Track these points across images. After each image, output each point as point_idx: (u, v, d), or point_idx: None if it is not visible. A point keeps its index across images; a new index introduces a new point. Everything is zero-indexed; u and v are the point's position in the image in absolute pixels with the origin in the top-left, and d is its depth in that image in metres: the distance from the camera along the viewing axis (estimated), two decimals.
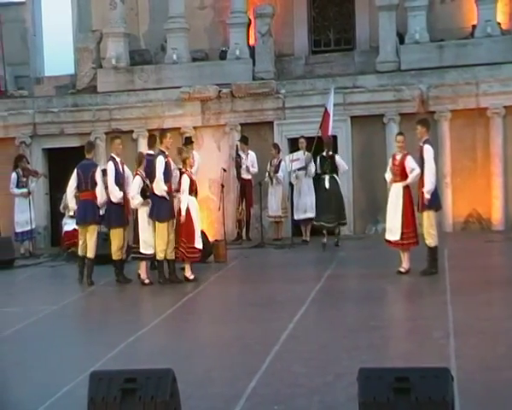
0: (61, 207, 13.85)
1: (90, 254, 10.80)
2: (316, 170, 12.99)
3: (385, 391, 4.50)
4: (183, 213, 10.21)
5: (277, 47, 15.33)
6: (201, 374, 6.40)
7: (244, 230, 13.99)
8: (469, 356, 6.48)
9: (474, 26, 14.24)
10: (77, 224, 11.25)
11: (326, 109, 12.96)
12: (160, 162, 10.24)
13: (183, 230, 10.23)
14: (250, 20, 15.22)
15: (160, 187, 10.23)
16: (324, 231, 12.63)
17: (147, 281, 10.44)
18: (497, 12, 14.14)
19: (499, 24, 14.10)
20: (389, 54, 14.31)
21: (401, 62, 14.21)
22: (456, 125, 13.46)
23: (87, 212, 10.84)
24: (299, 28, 15.79)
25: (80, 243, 10.98)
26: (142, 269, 10.50)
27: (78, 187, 10.97)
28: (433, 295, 8.93)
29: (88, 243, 10.83)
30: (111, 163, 10.69)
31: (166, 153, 10.42)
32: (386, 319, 7.90)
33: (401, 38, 14.42)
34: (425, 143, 9.95)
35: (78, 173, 11.03)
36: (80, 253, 10.97)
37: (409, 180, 9.87)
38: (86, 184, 10.89)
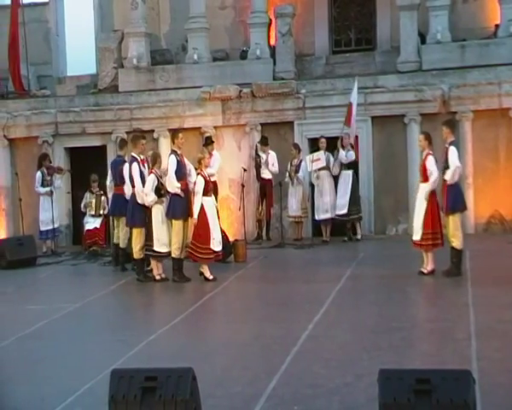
0: (82, 205, 13.97)
1: (122, 244, 11.63)
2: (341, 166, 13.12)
3: (405, 392, 4.49)
4: (196, 215, 10.30)
5: (298, 47, 15.32)
6: (221, 373, 6.41)
7: (264, 230, 14.00)
8: (491, 359, 6.43)
9: (496, 26, 14.14)
10: (110, 215, 12.43)
11: (350, 102, 12.91)
12: (171, 161, 10.42)
13: (196, 231, 10.31)
14: (271, 19, 15.23)
15: (172, 184, 10.39)
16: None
17: (158, 277, 10.60)
18: None
19: None
20: (410, 54, 14.24)
21: (422, 62, 14.14)
22: (478, 125, 13.36)
23: (117, 205, 11.69)
24: (319, 28, 15.77)
25: (115, 232, 11.96)
26: (155, 266, 10.64)
27: (114, 181, 11.96)
28: (454, 296, 8.87)
29: (120, 234, 11.70)
30: (135, 164, 10.82)
31: (179, 152, 10.61)
32: (406, 320, 7.85)
33: (422, 38, 14.35)
34: (451, 144, 9.90)
35: (110, 168, 12.28)
36: (115, 241, 11.96)
37: (429, 187, 9.81)
38: (116, 179, 11.82)
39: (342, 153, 13.17)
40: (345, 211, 13.13)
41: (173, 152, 10.62)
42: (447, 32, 14.13)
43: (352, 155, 13.24)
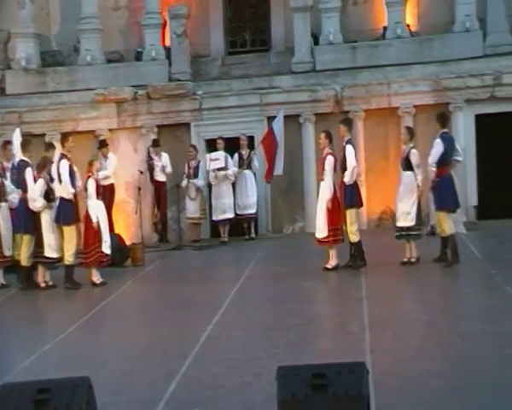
0: None
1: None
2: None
3: (303, 388, 4.52)
4: (94, 219, 10.12)
5: (193, 48, 15.24)
6: (119, 380, 6.29)
7: (162, 232, 13.86)
8: (384, 350, 6.63)
9: (384, 28, 14.57)
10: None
11: (271, 128, 12.97)
12: (64, 166, 10.22)
13: (89, 235, 10.13)
14: (165, 20, 15.09)
15: (67, 190, 10.20)
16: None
17: (43, 284, 10.37)
18: (406, 14, 14.51)
19: (408, 26, 14.48)
20: (304, 55, 14.47)
21: (316, 63, 14.39)
22: (369, 124, 13.74)
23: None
24: (214, 29, 15.76)
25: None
26: (41, 273, 10.39)
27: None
28: (349, 291, 9.09)
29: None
30: (29, 168, 10.51)
31: (69, 156, 10.41)
32: (303, 317, 7.96)
33: (316, 39, 14.61)
34: (347, 143, 10.14)
35: (13, 174, 11.32)
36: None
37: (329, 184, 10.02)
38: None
39: (256, 165, 13.33)
40: (254, 211, 13.27)
41: (64, 156, 10.39)
42: (339, 34, 14.45)
43: (256, 165, 13.42)
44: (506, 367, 5.98)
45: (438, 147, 10.09)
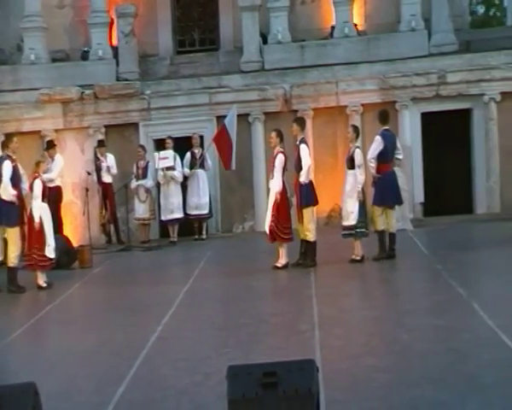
0: None
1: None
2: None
3: (253, 387, 4.51)
4: (37, 219, 9.95)
5: (141, 47, 15.13)
6: (66, 385, 6.19)
7: (113, 233, 13.70)
8: (333, 347, 6.67)
9: (332, 27, 14.70)
10: None
11: (224, 125, 12.93)
12: (6, 167, 10.02)
13: (31, 237, 9.96)
14: (112, 19, 14.93)
15: (7, 192, 9.99)
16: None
17: None
18: (354, 14, 14.67)
19: (355, 25, 14.64)
20: (253, 54, 14.50)
21: (265, 62, 14.44)
22: (318, 122, 13.84)
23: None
24: (163, 28, 15.67)
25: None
26: None
27: None
28: (299, 289, 9.12)
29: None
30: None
31: (13, 157, 10.21)
32: (253, 316, 7.96)
33: (264, 39, 14.64)
34: (301, 142, 10.18)
35: None
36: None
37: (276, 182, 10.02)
38: None
39: (209, 164, 13.29)
40: (206, 211, 13.23)
41: (8, 157, 10.16)
42: (287, 33, 14.51)
43: (209, 165, 13.39)
44: (451, 361, 6.09)
45: (377, 143, 10.23)
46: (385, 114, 10.64)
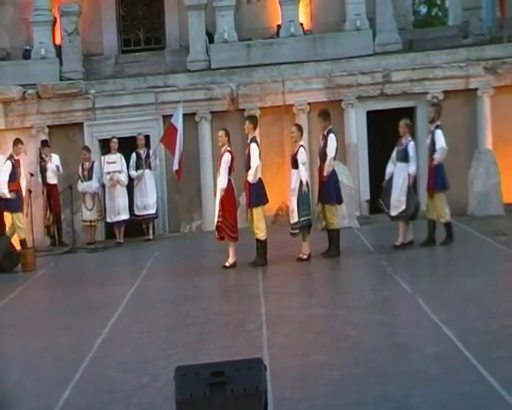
0: None
1: None
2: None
3: (201, 387, 4.49)
4: None
5: (85, 46, 14.93)
6: (11, 390, 6.03)
7: (57, 235, 13.47)
8: (281, 345, 6.70)
9: (278, 26, 14.75)
10: None
11: (171, 124, 12.87)
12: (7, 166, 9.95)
13: None
14: (55, 18, 14.68)
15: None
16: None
17: None
18: (300, 13, 14.75)
19: (301, 24, 14.72)
20: (199, 53, 14.44)
21: (211, 61, 14.39)
22: (265, 121, 13.84)
23: None
24: (107, 27, 15.48)
25: None
26: None
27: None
28: (246, 288, 9.11)
29: None
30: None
31: (16, 157, 10.28)
32: (201, 316, 7.94)
33: (210, 38, 14.60)
34: (252, 141, 10.19)
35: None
36: None
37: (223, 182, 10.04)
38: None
39: (156, 164, 13.25)
40: (153, 211, 13.16)
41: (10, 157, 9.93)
42: (233, 32, 14.49)
43: (156, 165, 13.36)
44: (397, 356, 6.18)
45: (334, 142, 10.32)
46: (328, 113, 10.72)
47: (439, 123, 10.71)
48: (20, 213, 12.31)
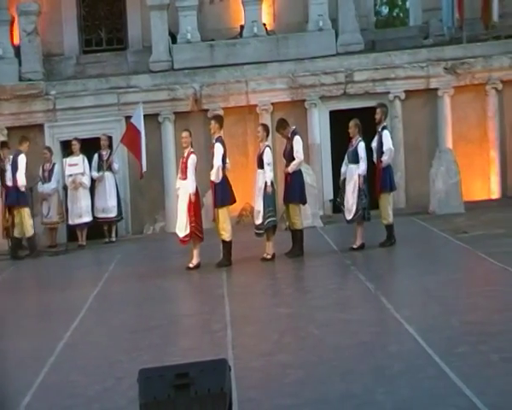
0: None
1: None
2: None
3: (165, 389, 4.46)
4: None
5: (45, 46, 14.73)
6: None
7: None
8: (246, 345, 6.70)
9: (241, 27, 14.74)
10: None
11: (131, 123, 12.80)
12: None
13: None
14: (13, 17, 14.46)
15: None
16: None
17: None
18: (263, 13, 14.76)
19: (264, 25, 14.74)
20: (162, 53, 14.37)
21: (174, 62, 14.33)
22: (229, 122, 13.71)
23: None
24: (68, 27, 15.31)
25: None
26: None
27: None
28: (211, 289, 9.10)
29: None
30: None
31: None
32: (165, 318, 7.89)
33: (173, 38, 14.53)
34: (217, 140, 10.15)
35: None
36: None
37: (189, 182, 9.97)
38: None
39: (116, 166, 13.13)
40: (114, 214, 13.03)
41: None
42: (196, 32, 14.45)
43: (116, 167, 13.20)
44: (360, 354, 6.21)
45: (301, 144, 10.34)
46: (284, 119, 10.74)
47: (385, 124, 10.70)
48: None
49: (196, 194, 10.05)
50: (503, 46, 14.21)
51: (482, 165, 14.10)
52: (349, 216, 10.40)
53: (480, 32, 14.78)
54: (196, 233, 9.95)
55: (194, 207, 9.99)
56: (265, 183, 10.04)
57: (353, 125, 10.57)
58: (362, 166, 10.32)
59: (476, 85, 14.10)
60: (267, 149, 10.22)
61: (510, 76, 14.05)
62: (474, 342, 6.18)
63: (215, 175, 10.00)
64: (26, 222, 12.39)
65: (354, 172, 10.34)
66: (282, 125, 10.57)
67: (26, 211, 12.43)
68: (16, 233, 12.48)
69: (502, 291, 7.95)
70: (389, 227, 10.42)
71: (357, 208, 10.27)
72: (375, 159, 10.62)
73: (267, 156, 10.13)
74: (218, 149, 10.07)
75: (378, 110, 10.80)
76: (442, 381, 5.44)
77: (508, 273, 8.43)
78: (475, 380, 5.36)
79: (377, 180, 10.54)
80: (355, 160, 10.37)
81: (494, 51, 14.13)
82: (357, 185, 10.29)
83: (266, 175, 10.05)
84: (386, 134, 10.49)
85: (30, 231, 12.44)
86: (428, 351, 6.06)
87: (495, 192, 14.13)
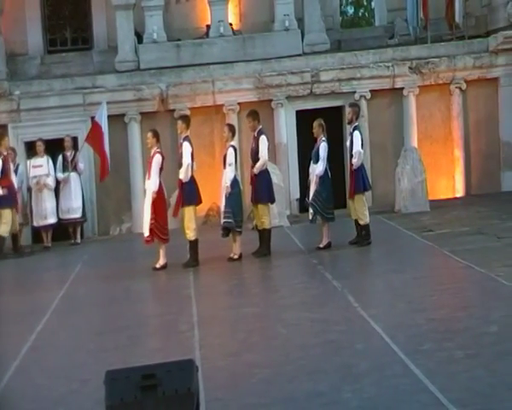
0: None
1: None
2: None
3: (132, 391, 4.44)
4: None
5: (9, 46, 14.55)
6: None
7: None
8: (213, 345, 6.70)
9: (208, 26, 14.72)
10: None
11: (96, 122, 12.72)
12: None
13: None
14: None
15: None
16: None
17: None
18: (229, 13, 14.76)
19: (231, 24, 14.74)
20: (128, 53, 14.29)
21: (140, 62, 14.26)
22: (195, 122, 13.65)
23: None
24: (32, 26, 15.13)
25: None
26: None
27: None
28: (178, 289, 9.06)
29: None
30: None
31: (5, 153, 10.45)
32: (132, 319, 7.85)
33: (139, 38, 14.46)
34: (184, 140, 10.12)
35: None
36: None
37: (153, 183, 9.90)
38: None
39: (81, 167, 12.98)
40: (78, 215, 12.90)
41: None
42: (163, 32, 14.40)
43: (81, 168, 13.07)
44: (327, 352, 6.24)
45: (266, 144, 10.33)
46: (257, 113, 10.71)
47: (357, 124, 10.66)
48: (8, 209, 11.98)
49: (159, 193, 9.98)
50: (467, 46, 14.41)
51: (447, 164, 14.29)
52: (309, 216, 10.47)
53: (444, 32, 14.99)
54: (156, 232, 9.88)
55: (156, 205, 9.93)
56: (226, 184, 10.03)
57: (317, 125, 10.57)
58: (319, 167, 10.29)
59: (441, 85, 14.28)
60: (230, 149, 10.21)
61: (474, 76, 14.27)
62: (439, 339, 6.25)
63: (184, 173, 9.97)
64: None
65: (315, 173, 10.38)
66: (252, 115, 10.49)
67: None
68: None
69: (466, 288, 8.06)
70: (366, 227, 10.47)
71: (313, 209, 10.30)
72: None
73: (229, 157, 10.12)
74: (187, 148, 10.05)
75: (349, 110, 10.82)
76: (407, 378, 5.49)
77: (472, 271, 8.54)
78: (440, 377, 5.42)
79: (350, 182, 10.60)
80: (317, 160, 10.38)
81: (458, 51, 14.33)
82: (315, 186, 10.30)
83: (226, 176, 10.05)
84: (356, 135, 10.45)
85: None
86: (394, 349, 6.12)
87: (459, 191, 14.33)
